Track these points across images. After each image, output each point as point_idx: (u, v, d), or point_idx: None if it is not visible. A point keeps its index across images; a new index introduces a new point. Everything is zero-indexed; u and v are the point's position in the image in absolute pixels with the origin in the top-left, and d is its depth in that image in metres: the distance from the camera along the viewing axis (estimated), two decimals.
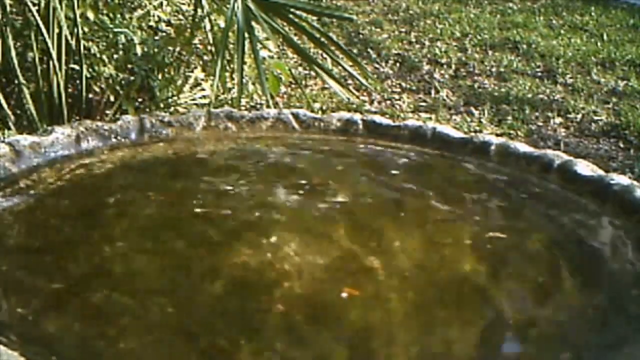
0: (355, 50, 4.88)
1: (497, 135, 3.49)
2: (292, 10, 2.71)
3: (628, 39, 5.47)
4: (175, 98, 3.42)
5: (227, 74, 3.42)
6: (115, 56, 3.32)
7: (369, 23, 5.70)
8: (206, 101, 3.43)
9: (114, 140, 2.24)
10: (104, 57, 3.27)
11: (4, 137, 2.75)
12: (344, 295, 1.64)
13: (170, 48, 3.42)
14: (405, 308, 1.64)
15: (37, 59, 3.03)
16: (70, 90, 3.22)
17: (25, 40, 3.18)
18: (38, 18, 2.94)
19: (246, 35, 2.62)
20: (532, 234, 1.97)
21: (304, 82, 4.36)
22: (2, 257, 1.71)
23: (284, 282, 1.67)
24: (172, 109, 3.39)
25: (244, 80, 3.08)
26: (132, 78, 3.28)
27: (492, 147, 2.27)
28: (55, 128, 2.19)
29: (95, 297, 1.61)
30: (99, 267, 1.70)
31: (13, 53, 2.99)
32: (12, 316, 1.51)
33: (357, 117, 2.44)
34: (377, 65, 4.82)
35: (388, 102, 4.27)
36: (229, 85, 3.50)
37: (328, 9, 4.47)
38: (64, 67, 3.05)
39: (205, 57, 3.59)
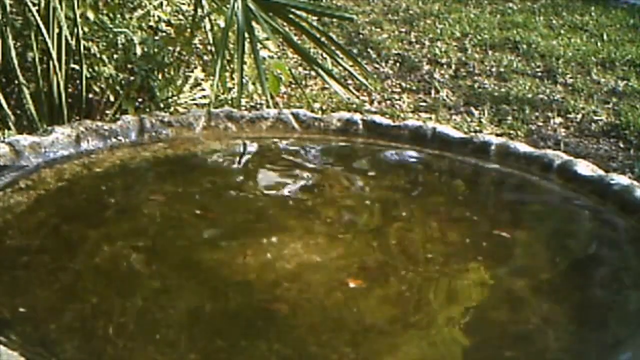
0: (355, 50, 4.88)
1: (497, 135, 3.48)
2: (292, 10, 2.71)
3: (628, 39, 5.46)
4: (175, 98, 3.42)
5: (227, 74, 3.42)
6: (115, 56, 3.32)
7: (369, 23, 5.70)
8: (206, 101, 3.43)
9: (114, 140, 2.24)
10: (104, 57, 3.27)
11: (4, 137, 2.74)
12: (352, 285, 1.65)
13: (170, 48, 3.42)
14: (401, 303, 1.64)
15: (37, 59, 3.03)
16: (70, 90, 3.22)
17: (25, 40, 3.18)
18: (38, 18, 2.94)
19: (246, 35, 2.62)
20: (531, 232, 1.98)
21: (304, 82, 4.35)
22: (2, 257, 1.71)
23: (285, 281, 1.67)
24: (172, 109, 3.38)
25: (244, 80, 3.08)
26: (132, 78, 3.28)
27: (492, 147, 2.27)
28: (55, 128, 2.19)
29: (95, 297, 1.61)
30: (99, 266, 1.70)
31: (13, 53, 2.99)
32: (12, 316, 1.51)
33: (357, 117, 2.44)
34: (377, 65, 4.82)
35: (388, 102, 4.26)
36: (229, 85, 3.50)
37: (328, 9, 4.47)
38: (64, 67, 3.05)
39: (205, 57, 3.59)
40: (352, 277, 1.69)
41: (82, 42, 3.06)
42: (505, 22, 5.81)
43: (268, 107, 2.74)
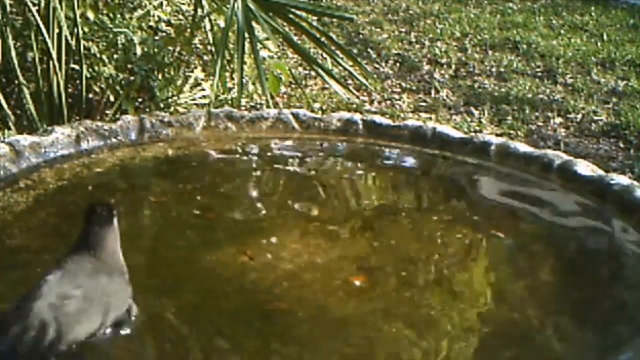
0: (355, 50, 4.87)
1: (497, 135, 3.48)
2: (292, 10, 2.70)
3: (628, 39, 5.46)
4: (175, 98, 3.42)
5: (227, 74, 3.42)
6: (115, 56, 3.32)
7: (369, 23, 5.69)
8: (206, 101, 3.43)
9: (114, 140, 2.24)
10: (104, 57, 3.27)
11: (4, 137, 2.74)
12: (357, 283, 1.66)
13: (170, 48, 3.42)
14: (401, 303, 1.65)
15: (37, 59, 3.03)
16: (70, 90, 3.22)
17: (25, 40, 3.18)
18: (38, 18, 2.94)
19: (246, 35, 2.62)
20: (530, 232, 1.98)
21: (304, 82, 4.35)
22: (2, 257, 1.71)
23: (284, 281, 1.67)
24: (172, 109, 3.38)
25: (244, 80, 3.07)
26: (132, 78, 3.28)
27: (492, 147, 2.27)
28: (55, 128, 2.19)
29: None
30: None
31: (13, 53, 2.99)
32: None
33: (357, 117, 2.44)
34: (377, 65, 4.81)
35: (388, 102, 4.26)
36: (229, 85, 3.50)
37: (328, 9, 4.47)
38: (64, 67, 3.05)
39: (205, 57, 3.59)
40: (354, 276, 1.69)
41: (82, 42, 3.06)
42: (505, 22, 5.80)
43: (268, 107, 2.74)
